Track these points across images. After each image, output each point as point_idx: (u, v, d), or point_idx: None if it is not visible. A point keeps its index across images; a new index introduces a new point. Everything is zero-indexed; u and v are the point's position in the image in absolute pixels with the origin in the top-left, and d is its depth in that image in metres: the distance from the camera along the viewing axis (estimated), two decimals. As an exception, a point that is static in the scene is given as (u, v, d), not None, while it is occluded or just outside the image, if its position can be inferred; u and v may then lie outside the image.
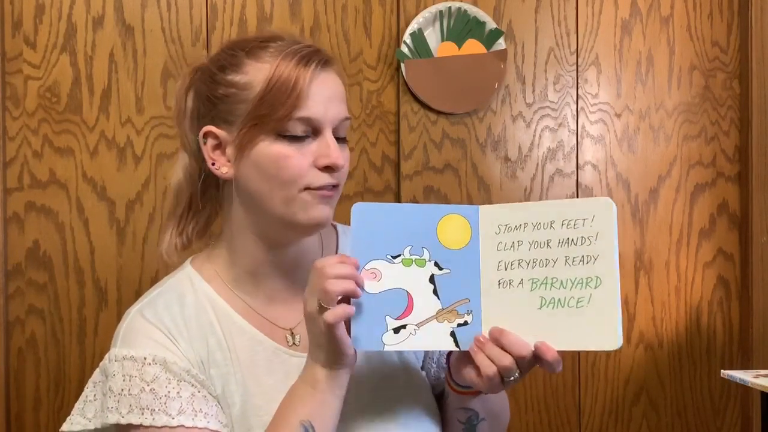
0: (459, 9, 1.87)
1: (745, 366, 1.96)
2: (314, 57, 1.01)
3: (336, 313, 0.93)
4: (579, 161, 1.96)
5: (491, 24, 1.88)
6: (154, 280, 1.79)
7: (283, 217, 1.01)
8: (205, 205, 1.10)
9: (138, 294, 1.78)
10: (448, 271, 1.00)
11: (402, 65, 1.85)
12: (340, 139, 1.04)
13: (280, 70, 0.99)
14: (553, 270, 0.98)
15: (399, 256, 0.99)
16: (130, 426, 0.98)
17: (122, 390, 0.98)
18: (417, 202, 1.88)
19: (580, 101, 1.95)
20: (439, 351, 1.15)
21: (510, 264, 0.99)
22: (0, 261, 1.76)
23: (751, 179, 1.96)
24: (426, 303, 0.99)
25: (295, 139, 1.00)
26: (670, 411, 1.99)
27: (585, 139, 1.96)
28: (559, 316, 0.96)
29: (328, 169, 1.01)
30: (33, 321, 1.78)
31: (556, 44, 1.94)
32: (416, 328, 0.98)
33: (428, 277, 1.00)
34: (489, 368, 0.95)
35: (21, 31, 1.77)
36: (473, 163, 1.91)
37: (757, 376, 1.64)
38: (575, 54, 1.95)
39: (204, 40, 1.81)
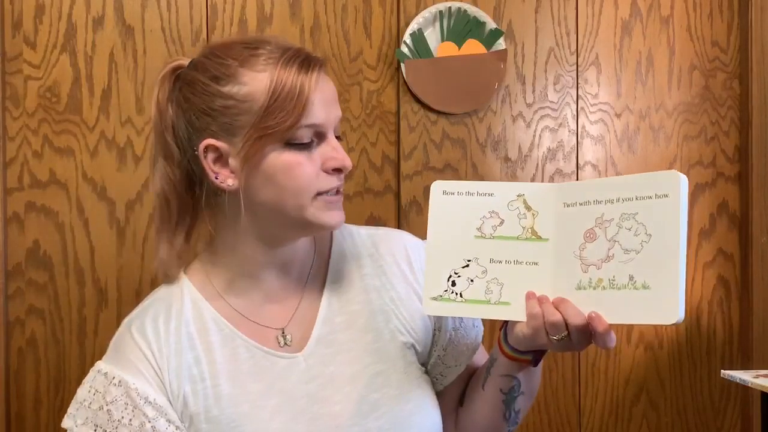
0: (459, 9, 1.87)
1: (745, 366, 1.96)
2: (312, 62, 1.00)
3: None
4: (579, 161, 1.96)
5: (491, 24, 1.88)
6: (154, 280, 1.79)
7: (296, 222, 1.01)
8: (197, 214, 1.07)
9: (138, 294, 1.79)
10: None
11: (402, 65, 1.85)
12: (337, 138, 1.04)
13: (282, 79, 0.97)
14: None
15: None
16: None
17: (84, 400, 1.02)
18: (416, 203, 1.88)
19: (580, 101, 1.95)
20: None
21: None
22: (0, 261, 1.76)
23: (751, 179, 1.96)
24: None
25: (303, 146, 0.99)
26: (670, 411, 1.99)
27: (585, 139, 1.96)
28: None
29: (337, 171, 1.01)
30: (33, 321, 1.78)
31: (556, 44, 1.94)
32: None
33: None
34: (536, 319, 0.95)
35: (21, 31, 1.77)
36: (473, 163, 1.91)
37: (757, 376, 1.65)
38: (575, 54, 1.95)
39: (204, 40, 1.81)
